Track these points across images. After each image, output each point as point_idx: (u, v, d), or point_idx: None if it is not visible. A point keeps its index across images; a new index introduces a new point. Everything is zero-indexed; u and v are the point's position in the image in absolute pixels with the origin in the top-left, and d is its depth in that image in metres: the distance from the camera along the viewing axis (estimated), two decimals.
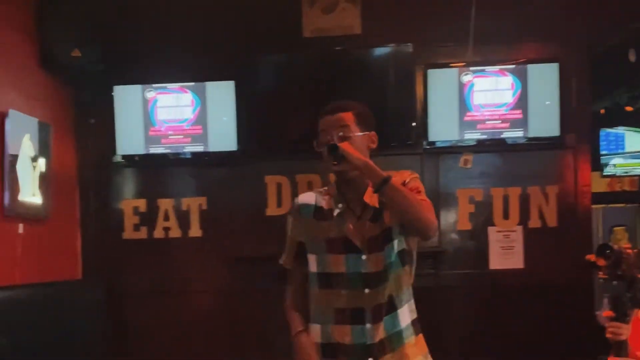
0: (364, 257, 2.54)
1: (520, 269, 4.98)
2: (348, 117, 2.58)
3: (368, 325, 2.54)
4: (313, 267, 2.63)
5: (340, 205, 2.60)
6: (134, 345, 5.15)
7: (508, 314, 4.95)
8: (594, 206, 5.33)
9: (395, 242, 2.56)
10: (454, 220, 5.07)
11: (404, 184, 2.50)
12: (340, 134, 2.54)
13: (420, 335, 2.66)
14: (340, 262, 2.56)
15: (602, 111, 6.96)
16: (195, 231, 5.20)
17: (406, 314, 2.61)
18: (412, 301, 2.66)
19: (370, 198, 2.58)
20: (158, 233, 5.21)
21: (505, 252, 4.99)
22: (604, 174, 7.02)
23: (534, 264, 4.97)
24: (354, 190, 2.60)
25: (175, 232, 5.21)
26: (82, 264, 5.22)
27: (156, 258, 5.20)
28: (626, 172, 7.00)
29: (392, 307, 2.57)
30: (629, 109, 6.18)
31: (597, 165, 6.93)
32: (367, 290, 2.54)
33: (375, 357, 2.54)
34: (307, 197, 2.70)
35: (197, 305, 5.16)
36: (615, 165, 6.97)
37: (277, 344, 4.88)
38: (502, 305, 4.97)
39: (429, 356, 2.66)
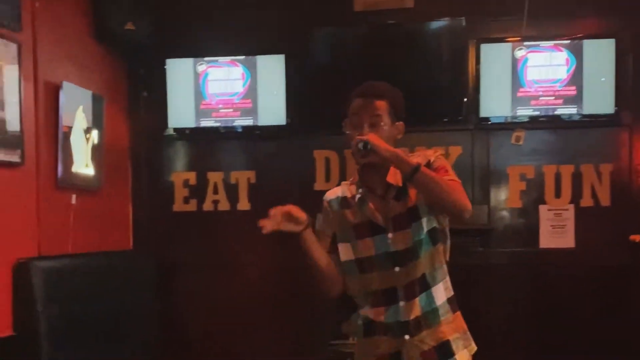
0: (389, 235, 2.54)
1: (571, 248, 4.89)
2: (382, 106, 2.55)
3: (402, 303, 2.54)
4: (346, 255, 2.63)
5: (360, 190, 2.60)
6: (183, 314, 5.23)
7: (557, 294, 4.89)
8: None
9: (424, 220, 2.54)
10: (504, 197, 5.00)
11: (428, 163, 2.47)
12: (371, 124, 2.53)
13: (458, 312, 2.65)
14: (370, 245, 2.57)
15: None
16: (243, 204, 5.23)
17: (441, 292, 2.60)
18: (448, 278, 2.65)
19: (394, 177, 2.57)
20: (207, 206, 5.26)
21: (556, 231, 4.91)
22: None
23: (586, 244, 4.87)
24: (376, 172, 2.58)
25: (224, 205, 5.24)
26: (133, 235, 5.31)
27: (205, 231, 5.25)
28: None
29: (426, 285, 2.57)
30: None
31: None
32: (397, 269, 2.55)
33: (412, 334, 2.54)
34: (334, 192, 2.73)
35: (245, 278, 5.19)
36: None
37: (325, 317, 4.93)
38: (551, 284, 4.91)
39: (468, 333, 2.65)
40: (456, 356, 2.60)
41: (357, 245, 2.59)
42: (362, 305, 2.65)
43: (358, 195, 2.60)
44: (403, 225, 2.53)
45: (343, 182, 2.75)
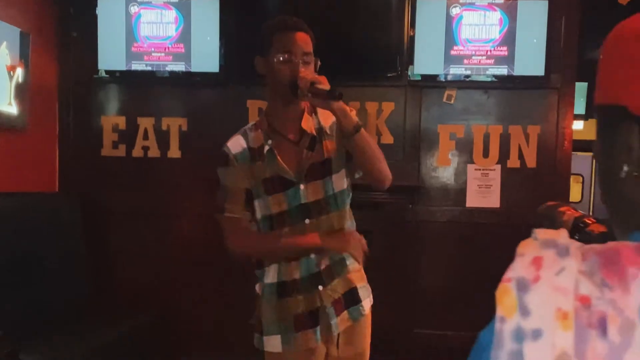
0: (302, 186, 2.50)
1: (496, 207, 4.96)
2: (309, 40, 2.48)
3: (312, 255, 2.53)
4: (258, 212, 2.55)
5: (269, 142, 2.51)
6: (109, 261, 5.19)
7: (484, 251, 4.96)
8: (581, 153, 5.29)
9: (338, 175, 2.52)
10: (434, 156, 5.03)
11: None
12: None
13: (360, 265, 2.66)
14: (281, 199, 2.50)
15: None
16: (174, 152, 5.16)
17: None
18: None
19: (307, 124, 2.51)
20: (137, 152, 5.17)
21: (483, 190, 4.96)
22: None
23: (510, 204, 4.94)
24: (289, 115, 2.52)
25: (154, 152, 5.16)
26: (59, 178, 5.20)
27: (134, 177, 5.17)
28: None
29: None
30: None
31: (592, 113, 6.88)
32: (307, 221, 2.51)
33: (324, 284, 2.55)
34: (237, 144, 2.55)
35: (173, 226, 5.16)
36: None
37: (251, 269, 4.92)
38: (477, 241, 4.97)
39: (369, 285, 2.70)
40: (362, 303, 2.63)
41: (267, 201, 2.51)
42: (276, 260, 2.59)
43: (267, 147, 2.52)
44: (316, 176, 2.50)
45: (245, 128, 2.62)
